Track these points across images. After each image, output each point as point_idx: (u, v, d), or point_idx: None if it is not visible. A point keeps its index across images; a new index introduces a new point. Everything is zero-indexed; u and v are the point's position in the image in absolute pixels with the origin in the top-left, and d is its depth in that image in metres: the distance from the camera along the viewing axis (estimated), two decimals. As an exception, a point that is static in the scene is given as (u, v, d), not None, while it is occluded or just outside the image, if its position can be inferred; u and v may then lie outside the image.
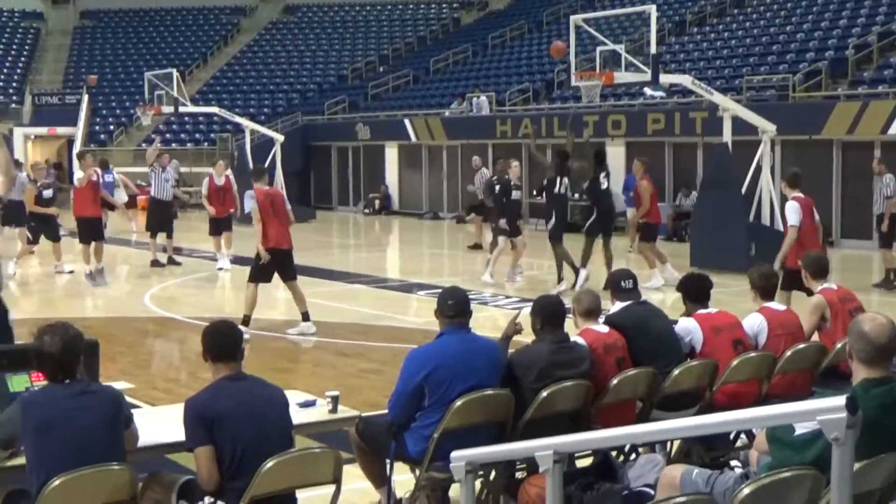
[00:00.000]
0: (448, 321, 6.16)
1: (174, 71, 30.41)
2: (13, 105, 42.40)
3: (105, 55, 47.24)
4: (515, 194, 17.29)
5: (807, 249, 10.81)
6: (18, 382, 5.53)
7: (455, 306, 6.18)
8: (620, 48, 19.71)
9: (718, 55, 29.30)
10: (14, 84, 44.40)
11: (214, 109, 33.26)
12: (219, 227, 19.57)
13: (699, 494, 4.66)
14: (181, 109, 31.37)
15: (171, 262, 19.68)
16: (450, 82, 37.12)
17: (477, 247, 21.86)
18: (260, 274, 12.75)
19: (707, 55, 29.67)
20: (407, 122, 32.91)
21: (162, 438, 5.51)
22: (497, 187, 17.02)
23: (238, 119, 32.22)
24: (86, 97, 41.03)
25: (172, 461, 6.23)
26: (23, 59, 46.68)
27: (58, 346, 4.92)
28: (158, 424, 5.71)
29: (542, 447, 4.48)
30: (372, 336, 13.12)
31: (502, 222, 16.91)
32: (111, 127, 41.95)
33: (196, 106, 35.19)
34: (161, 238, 19.75)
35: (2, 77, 44.94)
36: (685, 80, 19.60)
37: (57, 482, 4.62)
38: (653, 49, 18.42)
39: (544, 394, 6.02)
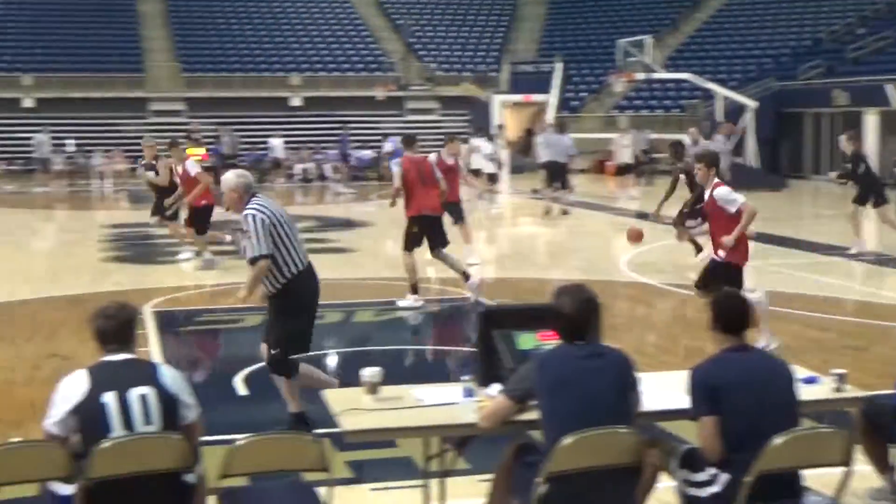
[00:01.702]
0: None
1: (647, 38, 30.53)
2: (491, 73, 44.49)
3: (577, 23, 48.35)
4: None
5: None
6: (525, 340, 5.75)
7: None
8: None
9: None
10: (493, 54, 46.61)
11: (686, 76, 33.07)
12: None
13: None
14: (652, 76, 31.49)
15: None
16: (937, 44, 34.59)
17: None
18: (410, 242, 12.76)
19: None
20: (888, 87, 31.03)
21: (653, 405, 5.46)
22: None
23: (709, 85, 31.86)
24: (559, 65, 42.24)
25: (662, 429, 6.27)
26: (501, 29, 48.84)
27: (573, 307, 5.06)
28: (648, 391, 5.67)
29: None
30: (847, 311, 12.56)
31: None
32: (583, 94, 42.93)
33: (667, 72, 35.13)
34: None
35: (482, 47, 47.33)
36: None
37: (569, 440, 4.75)
38: None
39: None
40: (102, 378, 4.80)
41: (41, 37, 44.53)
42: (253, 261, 7.48)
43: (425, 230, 12.87)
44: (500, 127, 35.20)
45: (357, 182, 34.69)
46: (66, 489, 4.75)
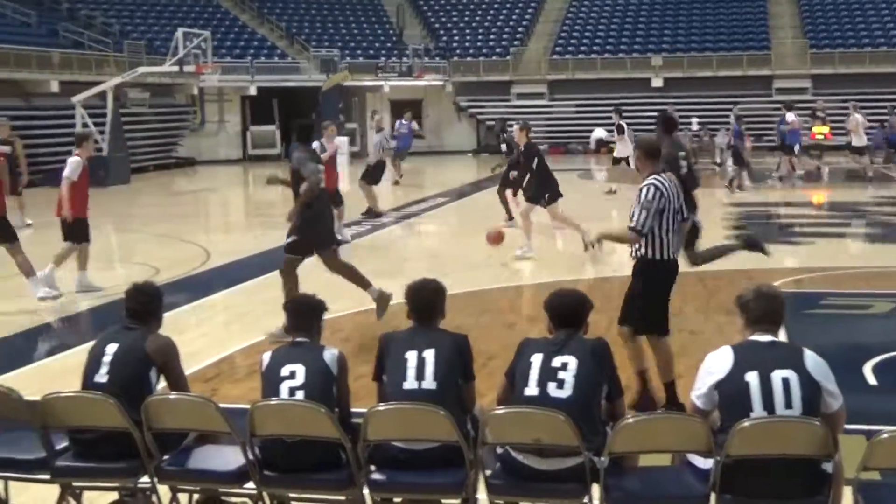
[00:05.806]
0: None
1: None
2: None
3: None
4: None
5: None
6: None
7: None
8: None
9: None
10: None
11: None
12: None
13: None
14: None
15: None
16: None
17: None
18: None
19: None
20: None
21: None
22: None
23: None
24: None
25: None
26: None
27: None
28: None
29: None
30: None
31: None
32: None
33: None
34: None
35: None
36: None
37: None
38: None
39: None
40: (747, 357, 4.85)
41: (671, 19, 45.98)
42: None
43: None
44: None
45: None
46: (704, 462, 4.88)
